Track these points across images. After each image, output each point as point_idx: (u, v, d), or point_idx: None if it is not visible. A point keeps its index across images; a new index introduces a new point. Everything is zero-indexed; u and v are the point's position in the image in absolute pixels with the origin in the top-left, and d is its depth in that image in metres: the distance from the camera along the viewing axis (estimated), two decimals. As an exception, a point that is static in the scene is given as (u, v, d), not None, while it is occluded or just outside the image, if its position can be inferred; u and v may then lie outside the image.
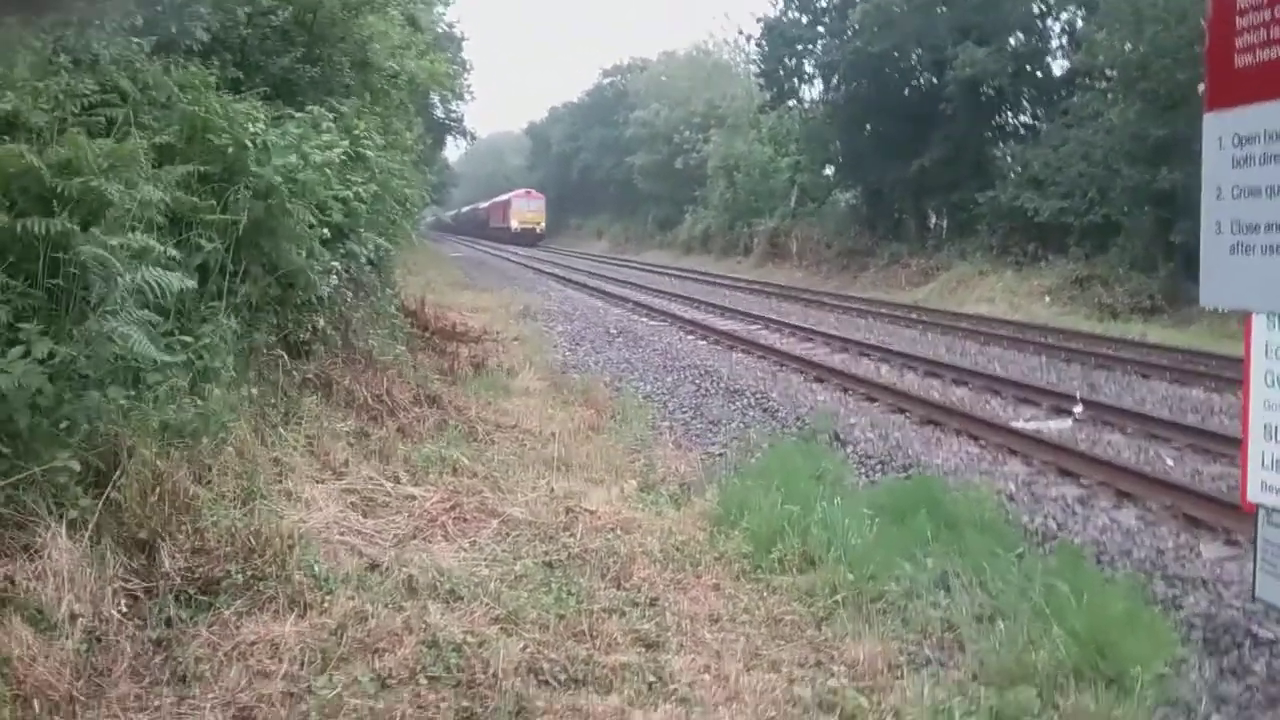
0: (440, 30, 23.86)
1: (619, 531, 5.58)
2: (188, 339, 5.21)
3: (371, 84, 11.53)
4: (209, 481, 4.74)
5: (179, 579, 4.11)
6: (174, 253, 5.05)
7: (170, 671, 3.67)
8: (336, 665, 3.79)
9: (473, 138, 42.07)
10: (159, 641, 3.82)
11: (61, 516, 3.93)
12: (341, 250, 7.93)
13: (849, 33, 32.32)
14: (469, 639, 4.04)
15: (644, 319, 19.73)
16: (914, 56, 30.79)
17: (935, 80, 30.07)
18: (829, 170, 38.00)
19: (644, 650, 4.24)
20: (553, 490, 6.27)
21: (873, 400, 11.21)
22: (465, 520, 5.55)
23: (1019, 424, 9.94)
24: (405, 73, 12.79)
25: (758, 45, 37.68)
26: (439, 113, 31.74)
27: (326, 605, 4.18)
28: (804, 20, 35.55)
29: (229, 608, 4.05)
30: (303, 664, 3.78)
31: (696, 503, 6.35)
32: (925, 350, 15.61)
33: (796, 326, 18.38)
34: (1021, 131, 29.68)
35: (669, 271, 37.37)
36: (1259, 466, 2.30)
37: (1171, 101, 20.42)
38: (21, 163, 4.54)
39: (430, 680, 3.76)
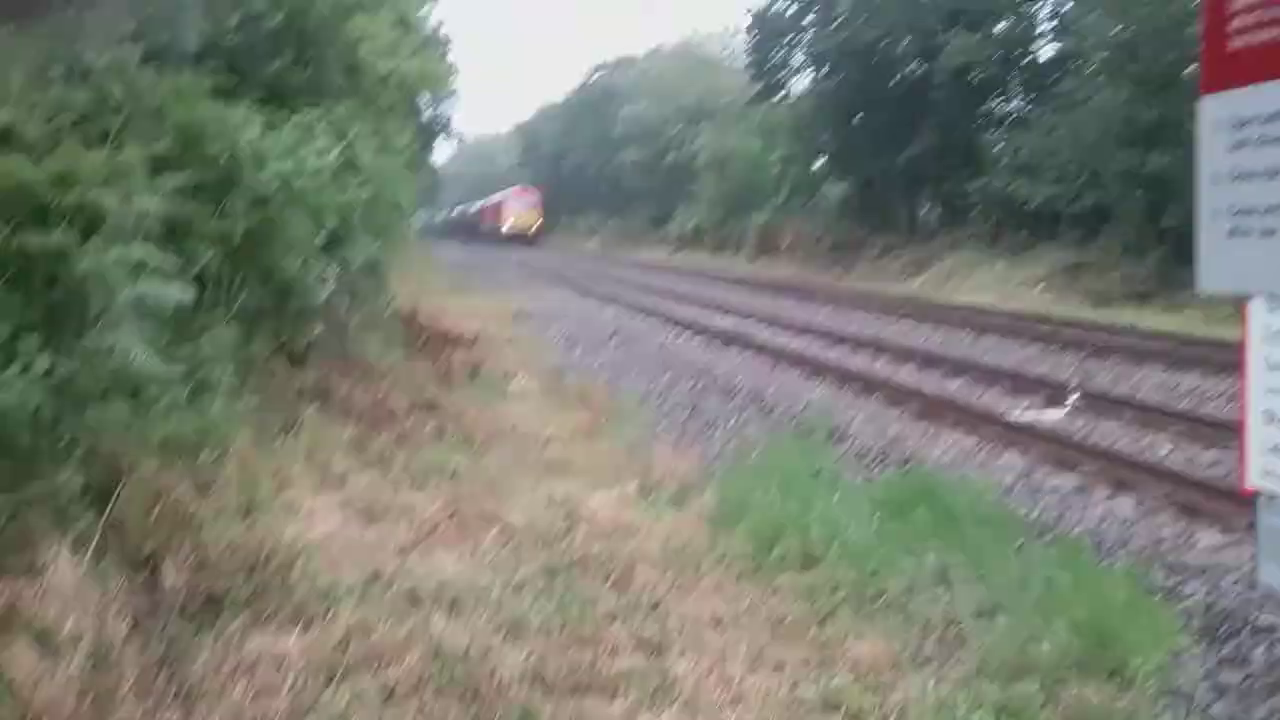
0: (428, 31, 23.80)
1: (619, 535, 5.59)
2: (186, 350, 5.21)
3: (363, 87, 11.49)
4: (210, 495, 4.74)
5: (182, 595, 4.11)
6: (171, 264, 5.03)
7: (175, 689, 3.66)
8: (342, 678, 3.79)
9: (461, 139, 41.91)
10: (163, 659, 3.81)
11: (64, 535, 3.93)
12: (337, 256, 7.92)
13: (837, 22, 32.38)
14: (473, 648, 4.05)
15: (638, 317, 19.75)
16: (902, 44, 30.86)
17: (924, 68, 30.13)
18: (819, 162, 38.10)
19: (648, 655, 4.25)
20: (552, 495, 6.28)
21: (869, 394, 11.23)
22: (466, 527, 5.55)
23: (1015, 415, 9.97)
24: (397, 74, 12.75)
25: (747, 36, 37.75)
26: (427, 114, 31.67)
27: (330, 618, 4.18)
28: (792, 10, 35.61)
29: (233, 623, 4.04)
30: (308, 678, 3.77)
31: (696, 503, 6.36)
32: (920, 342, 15.65)
33: (791, 321, 18.42)
34: (1011, 118, 29.71)
35: (662, 268, 37.41)
36: (1259, 452, 2.29)
37: (1161, 84, 20.46)
38: (18, 176, 4.52)
39: (436, 691, 3.76)
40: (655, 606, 4.72)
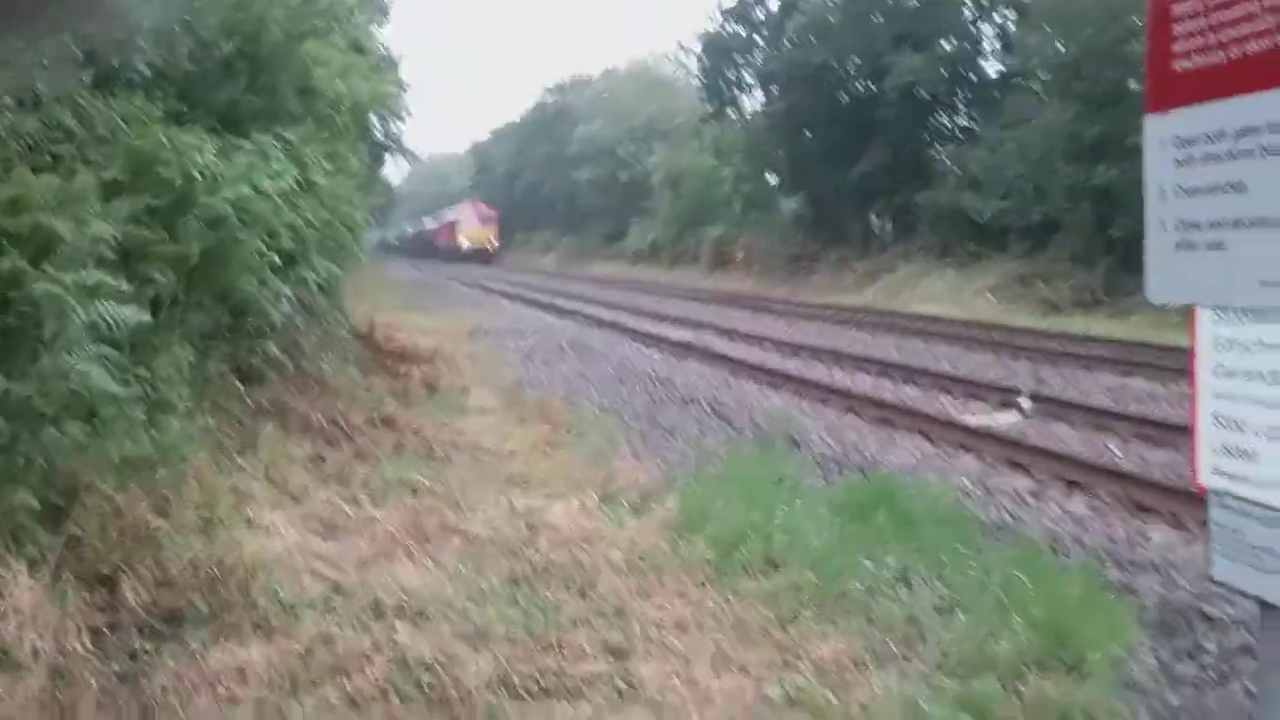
0: (380, 51, 23.77)
1: (582, 544, 5.60)
2: (143, 372, 5.18)
3: (315, 110, 11.47)
4: (169, 513, 4.71)
5: (142, 612, 4.09)
6: (126, 287, 5.02)
7: (137, 704, 3.64)
8: (307, 689, 3.78)
9: (415, 158, 41.77)
10: (124, 675, 3.79)
11: (21, 554, 3.90)
12: (292, 277, 7.90)
13: (787, 44, 32.74)
14: (439, 657, 4.05)
15: (596, 332, 19.77)
16: (851, 65, 31.27)
17: (873, 87, 30.55)
18: (772, 179, 38.44)
19: (613, 659, 4.27)
20: (513, 507, 6.28)
21: (826, 403, 11.32)
22: (428, 540, 5.55)
23: (970, 420, 10.10)
24: (350, 96, 12.73)
25: (698, 59, 38.08)
26: (379, 133, 31.56)
27: (293, 630, 4.17)
28: (743, 33, 35.95)
29: (194, 638, 4.03)
30: (272, 689, 3.77)
31: (658, 512, 6.38)
32: (875, 351, 15.81)
33: (748, 333, 18.53)
34: (959, 134, 30.18)
35: (618, 284, 37.48)
36: (1208, 451, 2.38)
37: (1104, 100, 20.91)
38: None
39: (402, 699, 3.77)
40: (619, 612, 4.75)
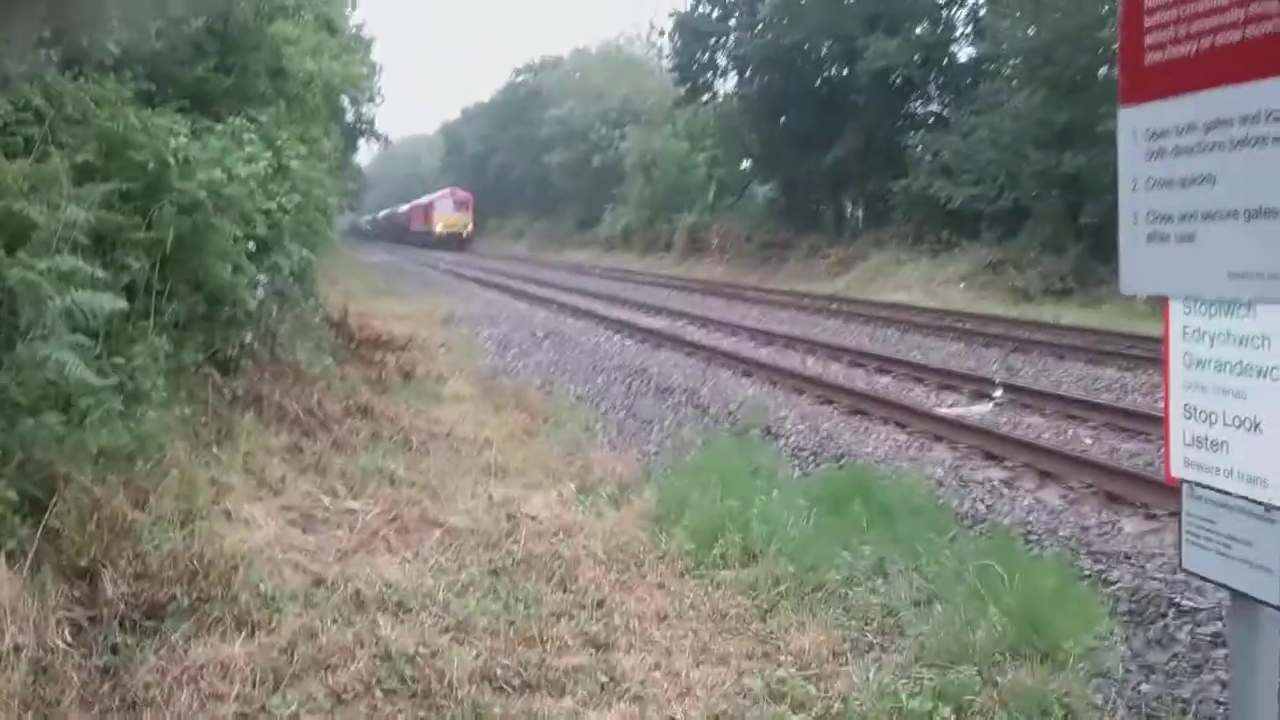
0: (350, 32, 23.61)
1: (561, 535, 5.63)
2: (119, 360, 5.13)
3: (287, 91, 11.36)
4: (147, 505, 4.67)
5: (123, 605, 4.05)
6: (101, 274, 4.96)
7: (120, 698, 3.62)
8: (290, 683, 3.78)
9: (386, 141, 41.47)
10: (106, 669, 3.76)
11: (0, 547, 3.86)
12: (266, 263, 7.83)
13: (759, 26, 32.69)
14: (421, 649, 4.06)
15: (570, 320, 19.75)
16: (824, 48, 31.30)
17: (846, 71, 30.60)
18: (745, 164, 38.43)
19: (595, 651, 4.30)
20: (492, 497, 6.28)
21: (801, 392, 11.38)
22: (407, 531, 5.54)
23: (943, 410, 10.19)
24: (321, 76, 12.63)
25: (670, 40, 37.94)
26: (350, 116, 31.35)
27: (275, 624, 4.16)
28: (715, 14, 35.86)
29: (176, 631, 4.00)
30: (255, 684, 3.75)
31: (636, 502, 6.41)
32: (848, 340, 15.91)
33: (722, 321, 18.58)
34: (931, 120, 30.27)
35: (592, 270, 37.43)
36: (1180, 443, 2.42)
37: (1074, 86, 21.05)
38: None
39: (386, 693, 3.77)
40: (600, 604, 4.78)
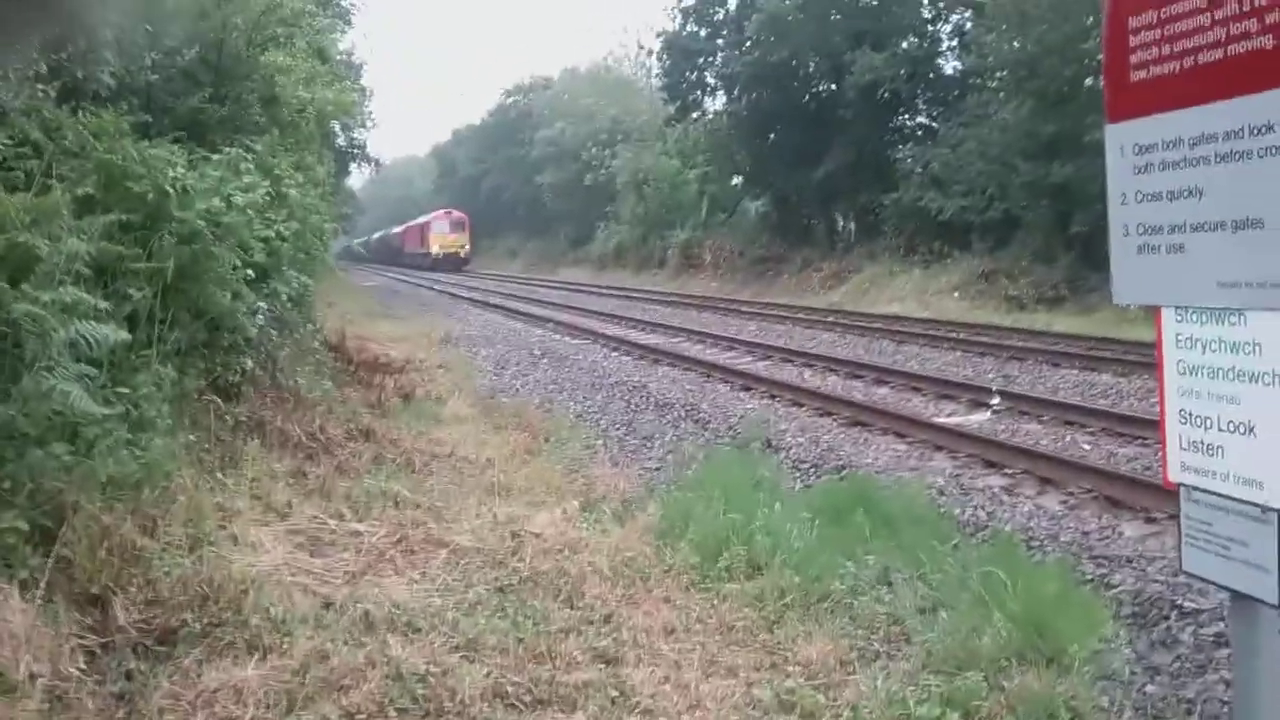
0: (340, 58, 23.69)
1: (566, 552, 5.65)
2: (123, 390, 5.17)
3: (280, 119, 11.43)
4: (156, 532, 4.71)
5: (135, 631, 4.08)
6: (104, 305, 5.00)
7: (135, 725, 3.66)
8: (303, 705, 3.80)
9: (378, 164, 41.57)
10: (120, 695, 3.79)
11: (12, 577, 3.89)
12: (265, 290, 7.89)
13: (747, 44, 32.86)
14: (432, 669, 4.08)
15: (566, 338, 19.79)
16: (811, 64, 31.48)
17: (833, 87, 30.77)
18: (736, 180, 38.58)
19: (604, 666, 4.32)
20: (496, 516, 6.31)
21: (800, 405, 11.42)
22: (413, 552, 5.57)
23: (941, 419, 10.24)
24: (314, 104, 12.70)
25: (659, 60, 38.12)
26: (341, 141, 31.45)
27: (286, 647, 4.18)
28: (703, 33, 36.05)
29: (188, 656, 4.03)
30: (269, 707, 3.78)
31: (639, 518, 6.44)
32: (845, 352, 15.96)
33: (718, 336, 18.62)
34: (920, 133, 30.41)
35: (586, 289, 37.49)
36: (1177, 448, 2.47)
37: (1060, 98, 21.18)
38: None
39: (399, 712, 3.80)
40: (608, 619, 4.80)
